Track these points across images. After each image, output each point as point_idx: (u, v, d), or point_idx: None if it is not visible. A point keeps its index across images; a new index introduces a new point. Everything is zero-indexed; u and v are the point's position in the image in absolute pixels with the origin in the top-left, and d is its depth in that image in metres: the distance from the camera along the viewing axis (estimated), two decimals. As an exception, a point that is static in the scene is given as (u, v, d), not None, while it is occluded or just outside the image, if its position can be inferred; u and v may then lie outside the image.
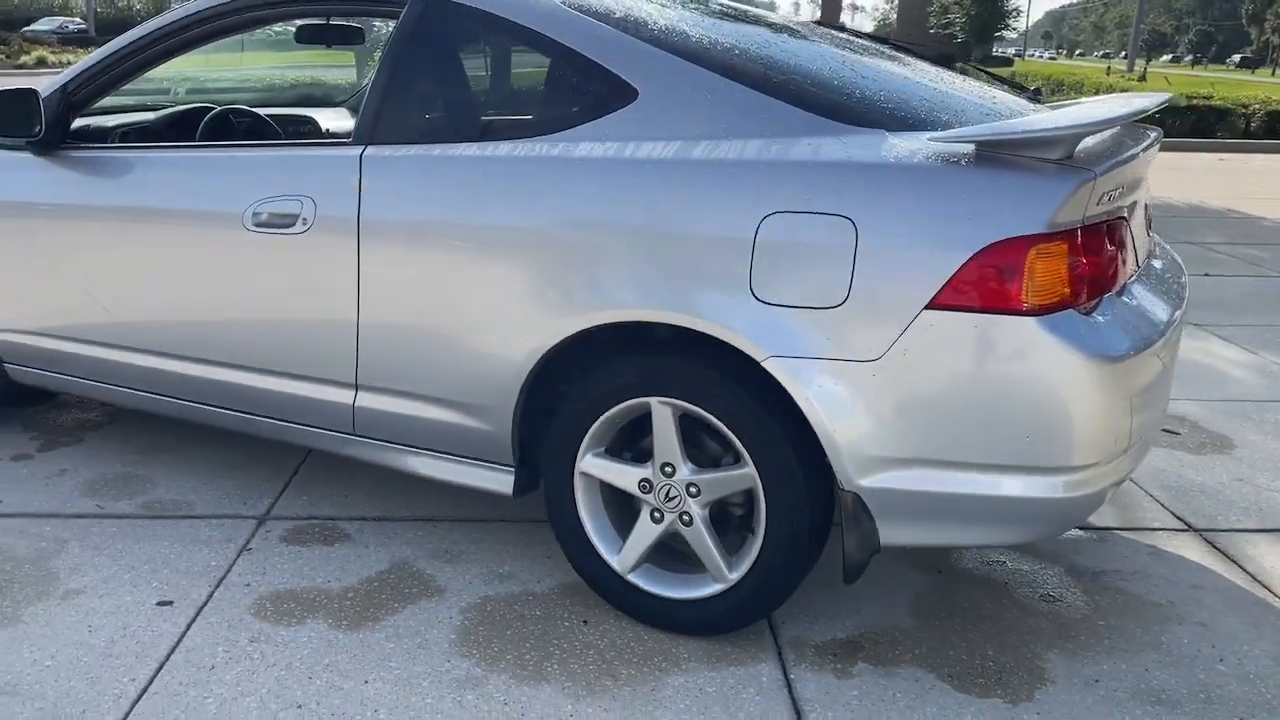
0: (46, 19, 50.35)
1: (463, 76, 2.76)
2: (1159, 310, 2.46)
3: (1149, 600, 2.74)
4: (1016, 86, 3.45)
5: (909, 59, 3.18)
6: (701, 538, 2.42)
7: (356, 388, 2.75)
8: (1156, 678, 2.41)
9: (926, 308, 2.13)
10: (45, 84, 3.17)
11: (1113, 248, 2.30)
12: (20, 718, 2.12)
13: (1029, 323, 2.09)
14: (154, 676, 2.27)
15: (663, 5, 2.86)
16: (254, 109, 3.95)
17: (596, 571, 2.55)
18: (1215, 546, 3.05)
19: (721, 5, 3.19)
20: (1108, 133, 2.48)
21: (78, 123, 3.34)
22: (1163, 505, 3.31)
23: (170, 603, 2.56)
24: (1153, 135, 2.70)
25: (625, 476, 2.48)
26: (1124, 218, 2.40)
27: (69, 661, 2.31)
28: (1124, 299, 2.34)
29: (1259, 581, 2.86)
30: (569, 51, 2.52)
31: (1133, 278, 2.47)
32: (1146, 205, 2.81)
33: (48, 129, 3.09)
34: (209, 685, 2.24)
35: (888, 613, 2.64)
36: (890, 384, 2.17)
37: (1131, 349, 2.21)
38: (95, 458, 3.41)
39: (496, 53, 2.79)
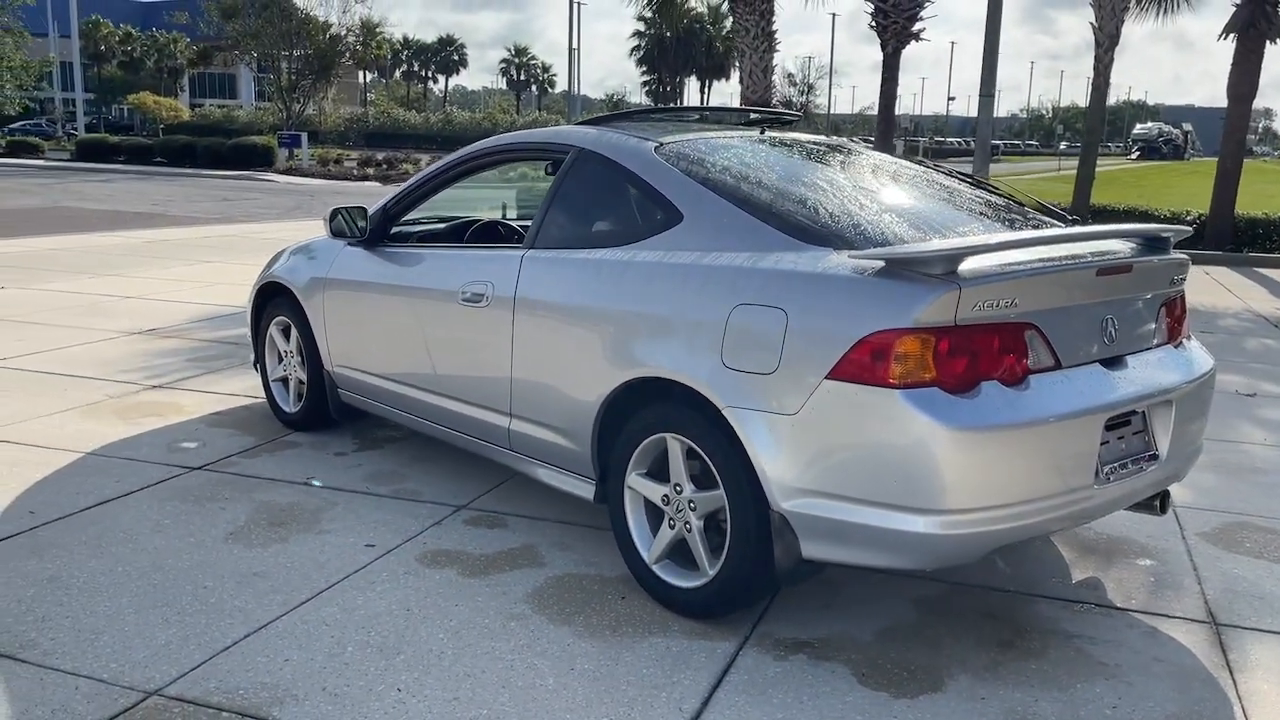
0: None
1: (587, 202, 3.89)
2: (1072, 398, 2.97)
3: (1098, 660, 3.15)
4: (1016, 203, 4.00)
5: (917, 179, 3.92)
6: (696, 541, 3.29)
7: (511, 415, 3.93)
8: (1039, 708, 2.88)
9: (827, 377, 2.89)
10: (378, 201, 4.76)
11: (1003, 347, 2.89)
12: (258, 585, 3.47)
13: (895, 394, 2.80)
14: (339, 581, 3.53)
15: (727, 145, 3.81)
16: (500, 220, 5.35)
17: (633, 562, 3.49)
18: (1219, 638, 3.31)
19: (776, 137, 4.08)
20: (1036, 251, 3.08)
21: (407, 228, 4.91)
22: (1206, 600, 3.57)
23: (373, 546, 3.85)
24: (1116, 254, 3.21)
25: (654, 492, 3.41)
26: (1031, 325, 2.96)
27: (299, 565, 3.65)
28: (1018, 386, 2.91)
29: (1227, 666, 3.13)
30: (649, 186, 3.58)
31: (1056, 369, 3.01)
32: (1171, 308, 3.42)
33: (370, 232, 4.65)
34: (367, 590, 3.47)
35: (855, 628, 3.30)
36: (803, 433, 2.95)
37: (1000, 424, 2.81)
38: (382, 459, 4.87)
39: (610, 186, 3.86)
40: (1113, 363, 3.21)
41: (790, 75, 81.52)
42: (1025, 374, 2.96)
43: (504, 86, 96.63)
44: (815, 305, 2.98)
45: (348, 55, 42.69)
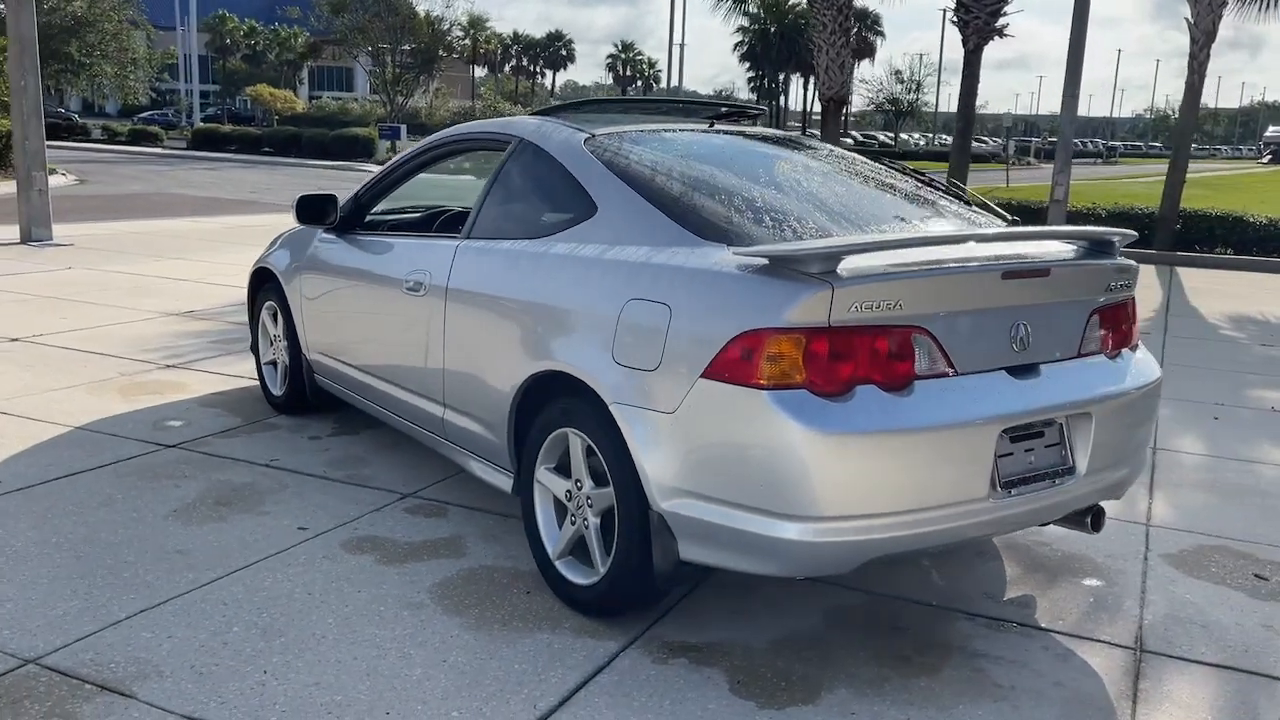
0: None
1: (519, 192, 3.87)
2: (962, 406, 2.83)
3: (993, 681, 3.00)
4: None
5: (856, 177, 3.83)
6: (591, 538, 3.24)
7: (445, 405, 3.93)
8: (910, 725, 2.76)
9: (702, 376, 2.82)
10: (351, 189, 4.82)
11: (883, 350, 2.78)
12: (175, 562, 3.55)
13: (763, 395, 2.71)
14: (256, 562, 3.59)
15: (661, 139, 3.74)
16: (458, 208, 5.30)
17: (539, 556, 3.46)
18: (1138, 665, 3.13)
19: (723, 131, 3.99)
20: (929, 251, 2.95)
21: (382, 216, 4.97)
22: (1142, 625, 3.38)
23: (305, 529, 3.90)
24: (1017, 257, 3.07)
25: (559, 487, 3.38)
26: (920, 328, 2.83)
27: (225, 544, 3.72)
28: (900, 392, 2.79)
29: (1132, 696, 2.95)
30: (571, 178, 3.54)
31: (946, 376, 2.87)
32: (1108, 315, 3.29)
33: (341, 220, 4.72)
34: (279, 572, 3.51)
35: (753, 634, 3.21)
36: (680, 432, 2.88)
37: (874, 430, 2.70)
38: (352, 445, 4.94)
39: (539, 176, 3.82)
40: (1023, 371, 3.05)
41: (898, 72, 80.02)
42: (910, 379, 2.83)
43: (611, 82, 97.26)
44: (696, 302, 2.91)
45: (450, 50, 43.41)
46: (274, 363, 5.45)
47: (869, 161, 4.16)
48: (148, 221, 14.71)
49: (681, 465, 2.89)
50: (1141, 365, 3.42)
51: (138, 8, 41.83)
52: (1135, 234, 3.48)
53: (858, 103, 77.74)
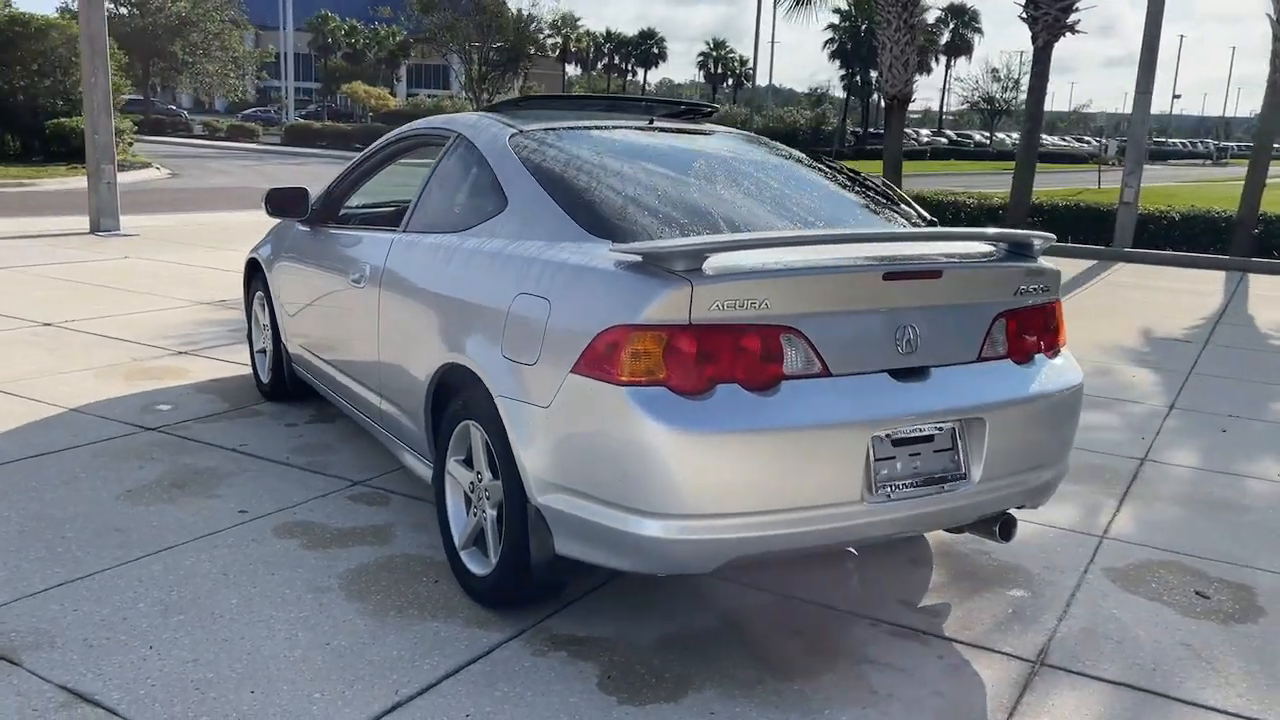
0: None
1: (449, 186, 3.91)
2: (833, 408, 2.79)
3: (871, 688, 2.96)
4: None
5: (780, 177, 3.78)
6: (488, 529, 3.28)
7: (381, 396, 4.02)
8: (766, 729, 2.74)
9: (571, 371, 2.84)
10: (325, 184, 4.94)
11: (747, 349, 2.75)
12: (109, 540, 3.70)
13: (622, 392, 2.71)
14: (186, 542, 3.72)
15: (587, 136, 3.75)
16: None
17: (448, 546, 3.51)
18: (1030, 679, 3.05)
19: (661, 128, 3.97)
20: (799, 251, 2.91)
21: (355, 210, 5.08)
22: (1052, 638, 3.28)
23: (245, 511, 4.02)
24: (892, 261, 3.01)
25: (465, 479, 3.42)
26: (791, 328, 2.80)
27: (164, 525, 3.86)
28: (765, 391, 2.76)
29: (1012, 708, 2.88)
30: (490, 172, 3.58)
31: (819, 377, 2.83)
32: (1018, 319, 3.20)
33: (313, 213, 4.84)
34: (204, 553, 3.63)
35: (644, 630, 3.21)
36: (553, 426, 2.90)
37: (734, 429, 2.68)
38: (324, 433, 5.06)
39: (466, 171, 3.86)
40: (908, 374, 2.99)
41: (994, 70, 78.15)
42: (777, 379, 2.80)
43: (703, 79, 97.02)
44: (570, 297, 2.92)
45: (537, 48, 43.88)
46: (264, 351, 5.62)
47: (806, 163, 4.09)
48: (220, 214, 15.24)
49: (553, 460, 2.91)
50: (1057, 371, 3.32)
51: (239, 8, 43.28)
52: (1054, 237, 3.38)
53: (953, 102, 76.18)
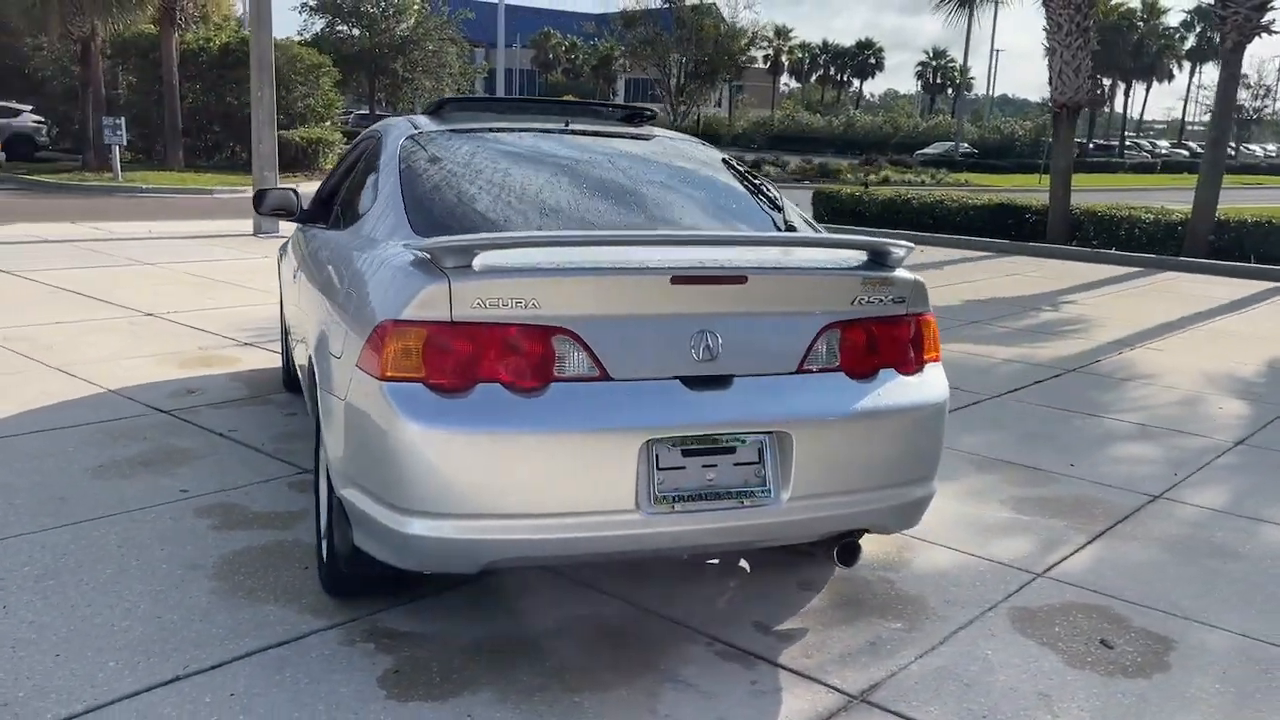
0: (938, 143, 57.11)
1: (357, 184, 4.00)
2: (604, 413, 2.70)
3: (651, 708, 2.83)
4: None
5: (670, 180, 3.69)
6: (325, 521, 3.36)
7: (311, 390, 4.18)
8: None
9: (355, 365, 2.88)
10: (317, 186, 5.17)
11: (511, 350, 2.70)
12: (47, 509, 4.01)
13: (383, 388, 2.73)
14: (108, 515, 3.97)
15: (481, 137, 3.77)
16: None
17: (317, 534, 3.61)
18: (838, 713, 2.84)
19: (579, 130, 3.91)
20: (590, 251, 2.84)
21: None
22: (891, 676, 3.04)
23: (186, 491, 4.27)
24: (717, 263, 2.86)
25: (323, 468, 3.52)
26: (564, 330, 2.72)
27: (108, 499, 4.14)
28: (530, 393, 2.70)
29: (785, 743, 2.69)
30: (376, 171, 3.67)
31: (597, 381, 2.75)
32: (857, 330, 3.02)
33: (304, 212, 5.07)
34: (117, 525, 3.88)
35: (463, 631, 3.20)
36: (346, 420, 2.95)
37: (490, 430, 2.65)
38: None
39: (369, 169, 3.91)
40: (705, 382, 2.84)
41: (1244, 76, 72.00)
42: (545, 381, 2.73)
43: (920, 89, 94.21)
44: (365, 293, 2.96)
45: (737, 60, 43.98)
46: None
47: (715, 171, 3.91)
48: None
49: (345, 453, 2.95)
50: (905, 388, 3.07)
51: (456, 27, 45.55)
52: (914, 247, 3.13)
53: (1193, 111, 70.78)
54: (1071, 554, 4.00)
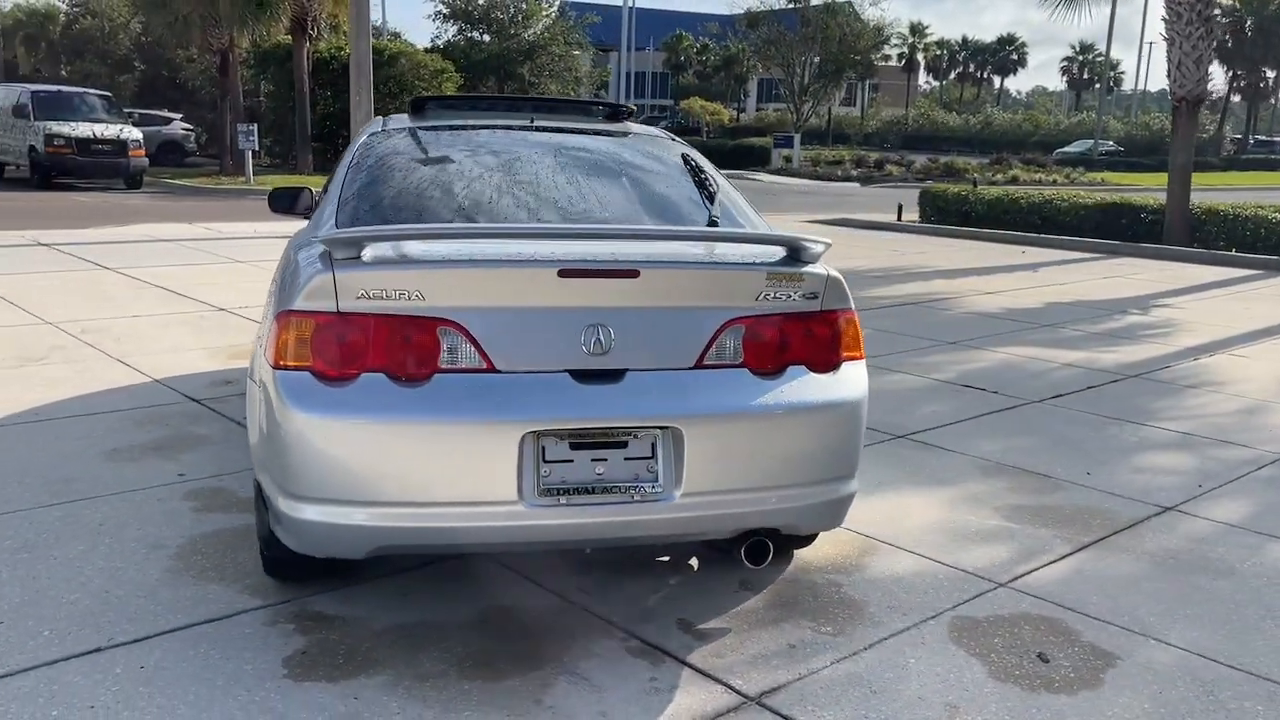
0: (1079, 141, 54.90)
1: (327, 182, 4.10)
2: (485, 404, 2.73)
3: (537, 698, 2.84)
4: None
5: (610, 175, 3.68)
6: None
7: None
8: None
9: (264, 354, 2.98)
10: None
11: (395, 340, 2.75)
12: (47, 490, 4.26)
13: (275, 375, 2.83)
14: (110, 495, 4.21)
15: (437, 132, 3.82)
16: None
17: (272, 518, 3.74)
18: (731, 715, 2.79)
19: (542, 126, 3.92)
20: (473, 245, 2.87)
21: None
22: (800, 679, 2.98)
23: (183, 475, 4.47)
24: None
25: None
26: (449, 321, 2.76)
27: (110, 480, 4.38)
28: (413, 383, 2.75)
29: (656, 741, 2.66)
30: (334, 171, 3.77)
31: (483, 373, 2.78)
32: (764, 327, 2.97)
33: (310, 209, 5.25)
34: (112, 505, 4.10)
35: (386, 616, 3.26)
36: (254, 405, 3.06)
37: (369, 418, 2.71)
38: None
39: (334, 169, 4.01)
40: (595, 376, 2.83)
41: None
42: (428, 372, 2.77)
43: (1065, 86, 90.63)
44: (278, 286, 3.06)
45: (865, 57, 43.24)
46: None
47: (674, 168, 3.85)
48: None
49: (255, 438, 3.06)
50: (815, 385, 2.99)
51: (582, 32, 46.17)
52: (829, 242, 3.05)
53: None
54: (1046, 565, 3.82)
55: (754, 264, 2.97)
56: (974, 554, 3.88)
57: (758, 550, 3.08)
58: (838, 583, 3.61)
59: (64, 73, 39.31)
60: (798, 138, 35.83)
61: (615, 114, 4.41)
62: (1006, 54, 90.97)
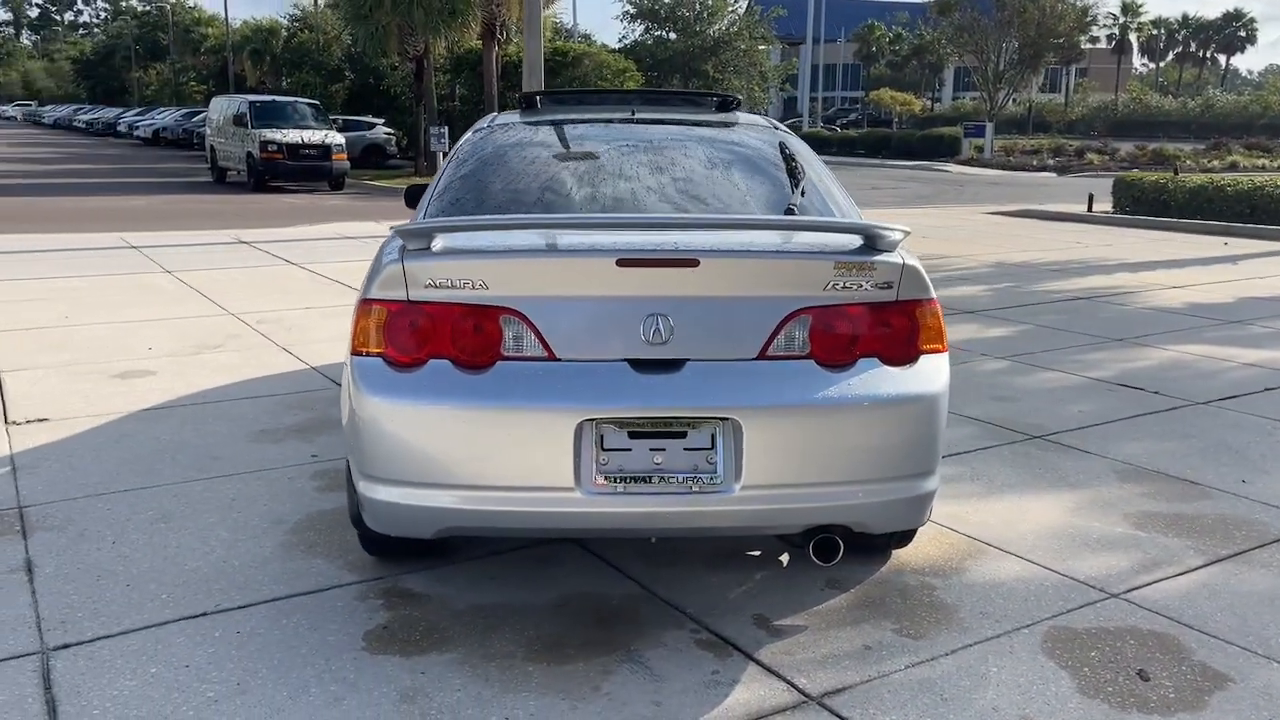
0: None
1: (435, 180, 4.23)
2: (543, 393, 2.78)
3: (595, 685, 2.87)
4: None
5: (702, 170, 3.62)
6: (369, 485, 3.63)
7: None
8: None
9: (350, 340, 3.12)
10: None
11: (460, 328, 2.83)
12: (195, 467, 4.60)
13: (352, 361, 2.97)
14: (249, 473, 4.50)
15: (537, 129, 3.89)
16: None
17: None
18: (780, 714, 2.74)
19: (643, 119, 3.92)
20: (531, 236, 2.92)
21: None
22: (865, 683, 2.89)
23: (316, 456, 4.74)
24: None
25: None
26: (512, 310, 2.81)
27: (252, 459, 4.69)
28: (476, 371, 2.82)
29: None
30: (441, 165, 3.90)
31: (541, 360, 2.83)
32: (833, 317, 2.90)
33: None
34: (245, 481, 4.39)
35: (470, 597, 3.37)
36: (342, 390, 3.20)
37: (435, 404, 2.81)
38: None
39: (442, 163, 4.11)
40: (654, 366, 2.82)
41: None
42: (491, 360, 2.83)
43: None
44: (366, 275, 3.19)
45: (1069, 39, 41.14)
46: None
47: (772, 161, 3.78)
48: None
49: (344, 422, 3.20)
50: (887, 379, 2.87)
51: (768, 26, 45.87)
52: (908, 230, 2.92)
53: None
54: (1170, 577, 3.55)
55: (821, 253, 2.89)
56: (1088, 562, 3.65)
57: (826, 547, 3.00)
58: (931, 585, 3.47)
59: (285, 84, 42.11)
60: (990, 126, 34.37)
61: (724, 104, 4.38)
62: (1233, 31, 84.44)
